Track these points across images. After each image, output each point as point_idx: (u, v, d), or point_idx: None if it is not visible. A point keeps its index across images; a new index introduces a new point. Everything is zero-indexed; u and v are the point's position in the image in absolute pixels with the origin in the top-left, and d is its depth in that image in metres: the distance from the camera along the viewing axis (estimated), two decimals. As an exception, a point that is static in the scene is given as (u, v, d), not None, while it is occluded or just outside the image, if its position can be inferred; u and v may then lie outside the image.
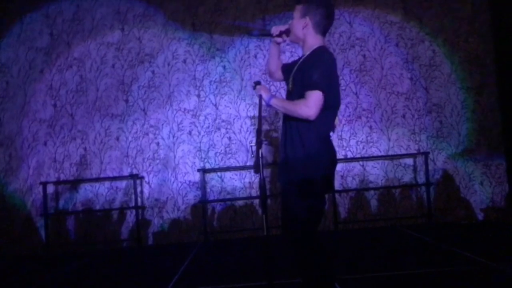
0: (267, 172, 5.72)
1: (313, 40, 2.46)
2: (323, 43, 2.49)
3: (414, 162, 5.85)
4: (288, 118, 2.44)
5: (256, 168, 2.07)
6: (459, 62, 5.87)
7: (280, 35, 2.55)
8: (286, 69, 2.66)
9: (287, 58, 5.55)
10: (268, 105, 2.43)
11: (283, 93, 2.98)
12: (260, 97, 2.44)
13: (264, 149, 2.08)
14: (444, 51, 5.88)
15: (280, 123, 2.60)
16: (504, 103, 5.78)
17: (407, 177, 5.83)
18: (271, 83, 5.59)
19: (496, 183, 5.77)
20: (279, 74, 2.75)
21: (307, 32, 2.45)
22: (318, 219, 2.42)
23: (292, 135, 2.41)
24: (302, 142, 2.36)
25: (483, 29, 5.88)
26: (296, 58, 2.74)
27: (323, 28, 2.48)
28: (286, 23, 2.57)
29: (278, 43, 2.66)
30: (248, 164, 5.77)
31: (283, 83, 2.74)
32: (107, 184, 5.84)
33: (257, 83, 2.55)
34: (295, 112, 2.32)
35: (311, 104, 2.27)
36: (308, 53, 2.46)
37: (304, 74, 2.35)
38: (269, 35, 2.58)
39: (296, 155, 2.37)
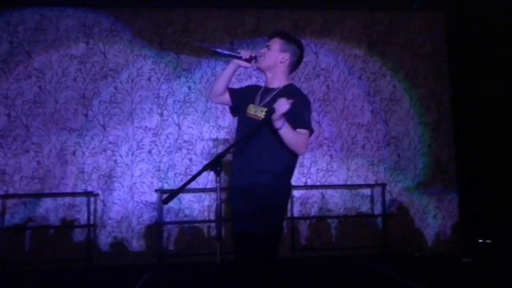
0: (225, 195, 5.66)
1: (284, 76, 2.55)
2: (291, 82, 2.60)
3: (372, 192, 5.95)
4: (254, 143, 2.39)
5: (169, 198, 2.03)
6: (418, 98, 6.08)
7: (249, 59, 2.52)
8: (241, 93, 2.63)
9: (253, 82, 5.58)
10: (278, 128, 2.28)
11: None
12: (268, 118, 2.28)
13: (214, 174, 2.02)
14: (404, 86, 6.09)
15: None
16: (459, 140, 6.01)
17: (365, 207, 5.92)
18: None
19: (448, 217, 5.95)
20: (225, 97, 2.66)
21: (282, 67, 2.54)
22: (277, 245, 2.42)
23: (261, 161, 2.38)
24: (272, 169, 2.38)
25: (441, 68, 6.14)
26: (252, 84, 2.74)
27: (294, 68, 2.62)
28: (255, 50, 2.59)
29: (241, 67, 2.60)
30: (208, 186, 5.69)
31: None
32: (59, 200, 5.59)
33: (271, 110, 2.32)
34: (296, 145, 2.34)
35: (306, 142, 2.41)
36: (280, 87, 2.50)
37: (292, 112, 2.31)
38: (238, 57, 2.52)
39: (265, 181, 2.36)
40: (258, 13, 6.01)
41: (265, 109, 2.41)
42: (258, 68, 2.60)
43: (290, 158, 2.44)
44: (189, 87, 5.86)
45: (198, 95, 5.83)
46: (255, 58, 2.53)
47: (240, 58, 2.51)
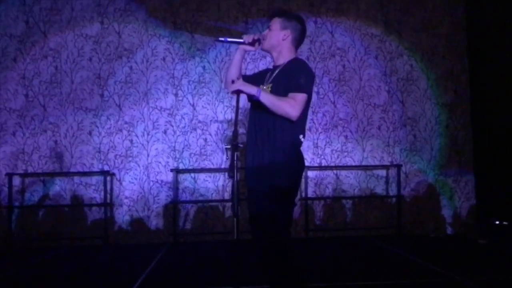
0: (241, 175, 5.68)
1: (290, 52, 2.56)
2: (297, 56, 2.61)
3: (387, 173, 5.92)
4: (262, 122, 2.42)
5: (231, 172, 2.04)
6: (435, 78, 5.98)
7: (253, 43, 2.53)
8: (253, 79, 2.65)
9: (261, 66, 5.53)
10: (257, 99, 2.33)
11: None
12: (238, 93, 2.33)
13: (238, 153, 2.04)
14: (421, 66, 5.99)
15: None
16: (476, 121, 5.92)
17: (379, 188, 5.90)
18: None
19: (465, 198, 5.90)
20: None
21: (285, 44, 2.55)
22: (291, 224, 2.45)
23: (268, 139, 2.40)
24: (277, 147, 2.38)
25: (459, 48, 6.02)
26: (262, 69, 2.73)
27: (298, 43, 2.62)
28: (258, 33, 2.62)
29: (247, 51, 2.61)
30: (222, 166, 5.72)
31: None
32: (76, 179, 5.68)
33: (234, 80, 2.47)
34: (281, 109, 2.32)
35: (297, 105, 2.34)
36: (285, 62, 2.52)
37: (289, 78, 2.40)
38: (241, 42, 2.54)
39: (274, 160, 2.37)
40: (273, -8, 5.92)
41: (271, 85, 2.46)
42: (263, 50, 2.61)
43: (293, 135, 2.42)
44: (204, 67, 5.84)
45: (212, 75, 5.82)
46: (258, 40, 2.54)
47: (243, 43, 2.54)
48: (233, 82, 2.45)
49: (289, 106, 2.32)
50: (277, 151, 2.38)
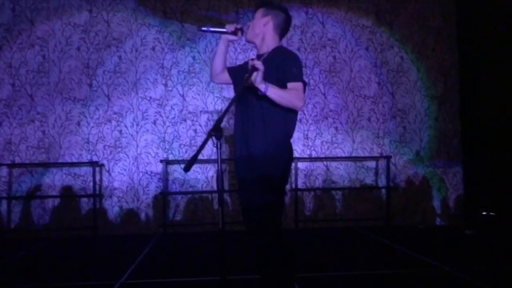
0: (230, 166, 5.67)
1: (272, 40, 2.51)
2: (281, 44, 2.55)
3: (376, 165, 5.95)
4: (252, 113, 2.38)
5: (188, 166, 1.94)
6: (425, 71, 6.01)
7: (235, 32, 2.50)
8: (238, 70, 2.61)
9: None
10: (263, 93, 2.24)
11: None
12: (254, 71, 2.21)
13: (219, 142, 1.99)
14: (411, 58, 6.01)
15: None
16: (465, 114, 5.96)
17: (369, 179, 5.93)
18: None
19: (453, 190, 5.97)
20: (225, 76, 2.67)
21: (267, 31, 2.49)
22: (281, 214, 2.44)
23: (257, 129, 2.37)
24: (269, 137, 2.36)
25: (449, 41, 6.04)
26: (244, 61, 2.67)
27: (282, 31, 2.55)
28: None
29: (230, 41, 2.58)
30: (213, 157, 5.70)
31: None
32: (65, 170, 5.63)
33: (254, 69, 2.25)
34: (289, 101, 2.28)
35: (301, 95, 2.31)
36: (269, 51, 2.48)
37: (280, 68, 2.34)
38: (223, 32, 2.51)
39: (264, 150, 2.35)
40: (264, -18, 5.86)
41: None
42: (247, 41, 2.59)
43: (285, 125, 2.41)
44: (194, 57, 5.79)
45: (202, 66, 5.78)
46: (241, 30, 2.51)
47: (226, 32, 2.51)
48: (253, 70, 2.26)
49: (295, 98, 2.28)
50: (269, 142, 2.36)
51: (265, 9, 2.52)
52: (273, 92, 2.24)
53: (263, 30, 2.50)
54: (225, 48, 2.62)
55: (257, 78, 2.19)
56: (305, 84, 2.39)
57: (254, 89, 2.27)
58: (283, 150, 2.40)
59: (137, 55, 5.74)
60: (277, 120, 2.36)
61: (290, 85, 2.31)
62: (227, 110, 2.09)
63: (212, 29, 2.54)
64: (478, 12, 5.75)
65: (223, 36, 2.55)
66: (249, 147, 2.38)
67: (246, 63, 2.64)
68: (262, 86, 2.21)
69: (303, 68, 2.56)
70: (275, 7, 2.55)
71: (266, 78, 2.26)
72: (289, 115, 2.39)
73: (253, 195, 2.36)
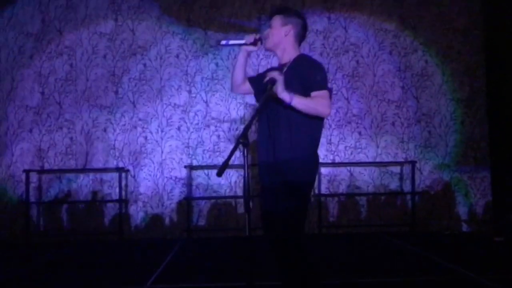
0: (253, 172, 5.69)
1: (293, 49, 2.50)
2: (302, 52, 2.55)
3: (401, 170, 5.87)
4: (277, 119, 2.38)
5: (221, 170, 1.96)
6: (451, 74, 5.91)
7: (255, 43, 2.48)
8: (259, 79, 2.58)
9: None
10: (289, 103, 2.25)
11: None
12: (271, 82, 2.24)
13: (246, 149, 2.03)
14: (436, 61, 5.91)
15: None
16: (492, 117, 5.83)
17: (393, 185, 5.86)
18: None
19: (480, 195, 5.83)
20: (246, 86, 2.65)
21: (288, 40, 2.49)
22: (305, 221, 2.43)
23: (283, 137, 2.38)
24: (294, 144, 2.36)
25: (475, 43, 5.93)
26: (266, 68, 2.66)
27: (301, 39, 2.55)
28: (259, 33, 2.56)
29: (249, 52, 2.56)
30: (236, 163, 5.73)
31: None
32: (91, 175, 5.76)
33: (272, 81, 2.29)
34: (315, 110, 2.29)
35: (327, 102, 2.31)
36: (291, 59, 2.47)
37: (304, 77, 2.34)
38: (242, 43, 2.49)
39: (290, 157, 2.35)
40: (286, -13, 5.90)
41: None
42: (267, 49, 2.58)
43: (311, 132, 2.41)
44: (217, 64, 5.85)
45: (225, 72, 5.83)
46: (260, 40, 2.50)
47: (245, 44, 2.49)
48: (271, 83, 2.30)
49: (321, 106, 2.29)
50: (295, 149, 2.36)
51: (283, 17, 2.49)
52: (298, 102, 2.25)
53: (284, 40, 2.48)
54: (245, 60, 2.59)
55: (278, 90, 2.21)
56: (330, 92, 2.39)
57: (278, 100, 2.27)
58: (309, 157, 2.41)
59: (162, 62, 5.83)
60: (302, 127, 2.36)
61: (314, 93, 2.32)
62: (253, 118, 2.11)
63: (231, 42, 2.53)
64: (505, 12, 5.62)
65: (243, 47, 2.53)
66: (275, 154, 2.38)
67: (266, 71, 2.65)
68: (286, 97, 2.22)
69: (327, 74, 2.54)
70: (293, 14, 2.53)
71: (291, 88, 2.27)
72: (314, 122, 2.39)
73: (278, 201, 2.35)
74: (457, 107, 5.91)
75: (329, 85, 2.52)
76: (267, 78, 2.26)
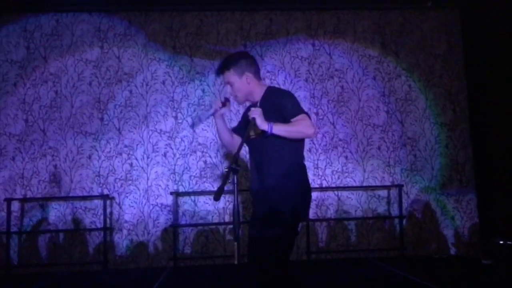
0: (242, 197, 5.65)
1: (259, 87, 2.58)
2: (267, 84, 2.67)
3: (388, 194, 5.88)
4: (263, 148, 2.43)
5: (217, 195, 2.01)
6: (433, 98, 6.01)
7: (224, 105, 2.54)
8: (242, 125, 2.67)
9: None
10: (271, 133, 2.32)
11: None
12: (254, 120, 2.34)
13: (236, 176, 2.05)
14: (419, 86, 6.03)
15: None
16: (476, 140, 5.92)
17: (381, 209, 5.86)
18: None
19: (467, 218, 5.85)
20: (236, 140, 2.66)
21: (253, 84, 2.55)
22: (289, 251, 2.42)
23: (265, 166, 2.43)
24: (274, 171, 2.40)
25: (456, 68, 6.07)
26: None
27: (259, 71, 2.63)
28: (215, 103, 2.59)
29: (223, 114, 2.60)
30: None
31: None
32: (76, 203, 5.64)
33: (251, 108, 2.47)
34: (299, 132, 2.35)
35: (308, 122, 2.37)
36: (261, 96, 2.55)
37: (278, 108, 2.41)
38: (214, 112, 2.55)
39: (273, 184, 2.38)
40: (270, 15, 6.01)
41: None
42: (242, 103, 2.66)
43: (294, 158, 2.45)
44: (203, 90, 5.87)
45: (212, 98, 5.84)
46: (226, 100, 2.57)
47: (216, 110, 2.55)
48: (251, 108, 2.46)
49: (303, 127, 2.35)
50: (277, 175, 2.40)
51: (233, 70, 2.52)
52: (278, 130, 2.32)
53: (249, 87, 2.55)
54: (222, 122, 2.63)
55: (258, 122, 2.30)
56: (307, 114, 2.45)
57: (262, 133, 2.36)
58: (292, 182, 2.41)
59: (148, 89, 5.83)
60: (280, 153, 2.41)
61: (293, 120, 2.39)
62: (240, 148, 2.24)
63: (204, 118, 2.65)
64: (484, 37, 5.79)
65: (216, 114, 2.57)
66: (262, 183, 2.43)
67: (247, 110, 2.70)
68: (265, 127, 2.30)
69: (300, 101, 2.61)
70: (239, 60, 2.55)
71: (270, 119, 2.34)
72: (291, 145, 2.42)
73: (262, 229, 2.36)
74: (441, 130, 5.99)
75: (314, 109, 2.59)
76: (250, 116, 2.35)
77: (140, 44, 5.88)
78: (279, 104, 2.43)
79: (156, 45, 5.89)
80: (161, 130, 5.78)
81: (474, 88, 5.97)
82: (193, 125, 2.64)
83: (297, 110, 2.42)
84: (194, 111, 5.84)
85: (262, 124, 2.30)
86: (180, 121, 5.81)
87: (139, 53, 5.87)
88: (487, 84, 5.81)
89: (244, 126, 2.59)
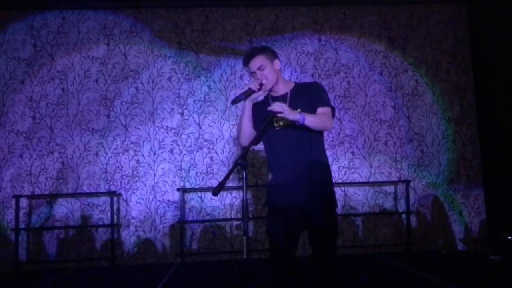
0: (248, 194, 5.64)
1: (285, 82, 2.66)
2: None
3: (395, 189, 5.86)
4: (294, 141, 2.49)
5: (217, 190, 2.01)
6: (441, 93, 5.97)
7: (261, 87, 2.52)
8: (258, 118, 2.60)
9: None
10: (302, 123, 2.37)
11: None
12: (275, 114, 2.35)
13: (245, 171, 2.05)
14: (426, 81, 5.99)
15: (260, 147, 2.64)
16: (483, 135, 5.88)
17: (388, 204, 5.84)
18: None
19: (475, 213, 5.82)
20: (253, 134, 2.61)
21: (280, 75, 2.63)
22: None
23: (312, 158, 2.52)
24: (321, 162, 2.57)
25: (464, 62, 6.03)
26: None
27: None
28: (249, 84, 2.58)
29: (256, 98, 2.56)
30: (229, 185, 5.69)
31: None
32: (83, 200, 5.67)
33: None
34: (321, 125, 2.47)
35: (330, 117, 2.53)
36: (287, 91, 2.58)
37: (308, 99, 2.51)
38: (252, 91, 2.49)
39: (322, 177, 2.56)
40: (276, 11, 5.99)
41: (299, 110, 2.46)
42: (266, 91, 2.60)
43: (324, 148, 2.66)
44: (209, 87, 5.87)
45: (218, 94, 5.84)
46: (261, 84, 2.52)
47: (253, 92, 2.50)
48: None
49: (326, 120, 2.48)
50: (320, 166, 2.55)
51: (267, 53, 2.58)
52: (309, 120, 2.39)
53: (277, 76, 2.59)
54: (251, 107, 2.59)
55: (289, 115, 2.33)
56: (333, 109, 2.59)
57: (287, 124, 2.45)
58: (330, 171, 2.70)
59: (154, 85, 5.84)
60: (320, 146, 2.60)
61: (320, 109, 2.50)
62: (253, 143, 2.32)
63: (241, 94, 2.49)
64: (492, 32, 5.74)
65: (249, 97, 2.52)
66: (302, 172, 2.48)
67: (258, 106, 2.64)
68: (298, 118, 2.35)
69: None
70: (268, 47, 2.67)
71: (305, 111, 2.44)
72: (321, 134, 2.61)
73: (325, 220, 2.53)
74: (448, 126, 5.95)
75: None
76: (274, 110, 2.35)
77: (146, 41, 5.88)
78: (312, 93, 2.54)
79: (162, 42, 5.89)
80: (167, 126, 5.79)
81: (482, 83, 5.92)
82: (236, 100, 2.55)
83: (327, 102, 2.55)
84: (200, 107, 5.84)
85: (295, 116, 2.34)
86: (186, 117, 5.81)
87: (145, 50, 5.87)
88: (494, 79, 5.76)
89: (258, 122, 2.56)
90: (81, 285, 4.65)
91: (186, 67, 5.88)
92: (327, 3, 5.98)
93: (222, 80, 5.87)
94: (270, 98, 2.62)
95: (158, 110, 5.81)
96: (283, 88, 2.59)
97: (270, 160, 2.59)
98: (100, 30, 5.87)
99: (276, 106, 2.34)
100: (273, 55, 2.59)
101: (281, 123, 2.48)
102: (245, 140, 2.60)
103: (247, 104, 2.54)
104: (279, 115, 2.33)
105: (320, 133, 2.56)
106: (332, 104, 2.64)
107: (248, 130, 2.59)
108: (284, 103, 2.40)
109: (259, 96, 2.55)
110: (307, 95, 2.53)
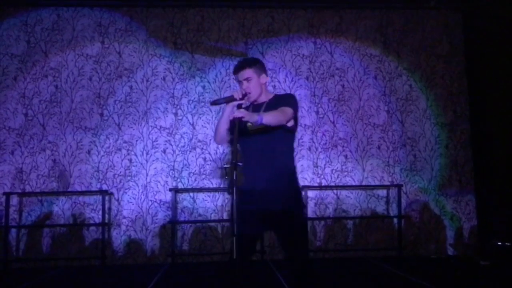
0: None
1: (267, 93, 2.80)
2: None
3: (387, 193, 5.88)
4: (259, 146, 2.63)
5: (231, 188, 2.14)
6: (434, 98, 6.00)
7: (243, 97, 2.63)
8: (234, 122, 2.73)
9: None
10: (260, 123, 2.46)
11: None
12: (239, 119, 2.43)
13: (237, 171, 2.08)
14: (420, 86, 6.02)
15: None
16: (476, 141, 5.91)
17: (380, 209, 5.85)
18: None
19: (466, 219, 5.85)
20: (227, 135, 2.80)
21: (264, 88, 2.78)
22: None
23: (274, 163, 2.62)
24: (284, 168, 2.66)
25: (457, 68, 6.06)
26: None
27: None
28: (233, 91, 2.71)
29: (237, 105, 2.65)
30: (222, 186, 5.68)
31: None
32: (74, 198, 5.64)
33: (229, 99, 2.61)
34: (277, 119, 2.53)
35: (289, 114, 2.61)
36: (267, 100, 2.75)
37: (281, 104, 2.64)
38: (234, 99, 2.61)
39: (283, 181, 2.63)
40: (272, 13, 5.99)
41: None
42: (249, 102, 2.76)
43: (292, 157, 2.75)
44: (204, 87, 5.86)
45: (212, 95, 5.83)
46: (245, 94, 2.65)
47: (235, 100, 2.61)
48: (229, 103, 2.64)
49: (279, 115, 2.55)
50: (283, 170, 2.63)
51: (256, 68, 2.73)
52: (266, 119, 2.49)
53: (261, 89, 2.75)
54: (230, 112, 2.69)
55: (249, 119, 2.45)
56: (296, 119, 2.70)
57: (256, 129, 2.57)
58: (296, 180, 2.75)
59: (148, 85, 5.82)
60: (282, 150, 2.68)
61: (280, 108, 2.60)
62: (236, 143, 2.36)
63: (222, 99, 2.66)
64: (486, 39, 5.78)
65: (229, 104, 2.65)
66: (265, 176, 2.58)
67: (246, 107, 2.85)
68: (256, 118, 2.45)
69: (300, 99, 2.80)
70: (259, 61, 2.78)
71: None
72: (292, 149, 2.74)
73: (285, 223, 2.58)
74: (442, 131, 5.98)
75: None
76: (236, 117, 2.45)
77: (141, 39, 5.86)
78: (282, 101, 2.66)
79: (157, 41, 5.87)
80: (161, 126, 5.77)
81: (475, 89, 5.96)
82: (215, 102, 2.64)
83: (289, 104, 2.64)
84: (194, 107, 5.83)
85: (253, 117, 2.45)
86: (180, 117, 5.80)
87: (140, 49, 5.85)
88: (488, 86, 5.80)
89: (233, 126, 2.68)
90: (71, 284, 4.62)
91: (181, 67, 5.87)
92: (323, 6, 6.00)
93: (217, 81, 5.86)
94: (251, 106, 2.81)
95: (151, 110, 5.79)
96: (263, 98, 2.75)
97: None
98: (95, 28, 5.84)
99: (237, 112, 2.45)
100: (261, 70, 2.74)
101: (253, 128, 2.62)
102: (218, 140, 2.83)
103: (228, 108, 2.68)
104: (243, 119, 2.44)
105: (287, 139, 2.69)
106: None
107: (223, 132, 2.76)
108: (244, 110, 2.54)
109: (240, 103, 2.65)
110: (279, 104, 2.65)
